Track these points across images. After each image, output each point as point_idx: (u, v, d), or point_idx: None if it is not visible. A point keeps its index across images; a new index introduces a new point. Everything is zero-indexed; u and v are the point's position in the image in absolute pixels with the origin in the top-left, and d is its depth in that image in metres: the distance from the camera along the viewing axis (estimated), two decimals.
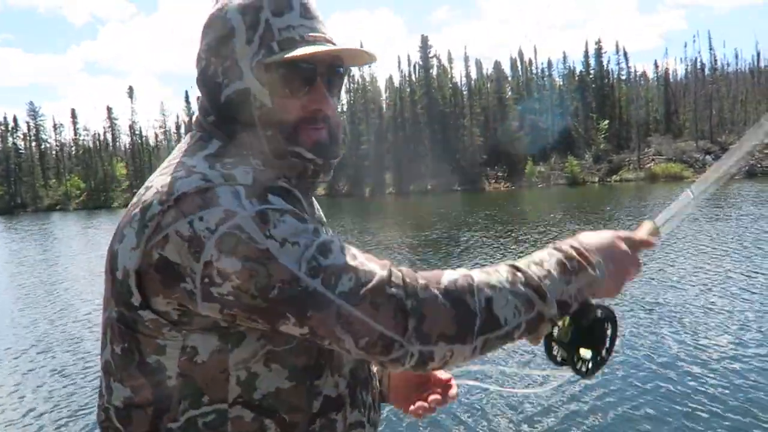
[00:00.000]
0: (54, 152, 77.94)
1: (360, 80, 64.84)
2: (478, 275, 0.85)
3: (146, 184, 0.89)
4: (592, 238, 0.94)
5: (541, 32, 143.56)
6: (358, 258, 0.83)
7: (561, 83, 63.42)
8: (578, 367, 0.96)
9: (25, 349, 8.22)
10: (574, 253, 0.90)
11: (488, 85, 62.94)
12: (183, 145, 0.96)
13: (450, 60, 63.80)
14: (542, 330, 0.88)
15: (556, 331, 0.94)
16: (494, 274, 0.86)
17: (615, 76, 61.35)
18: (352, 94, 65.43)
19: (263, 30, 0.90)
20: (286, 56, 0.88)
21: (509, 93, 62.07)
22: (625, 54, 62.67)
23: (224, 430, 0.85)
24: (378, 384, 1.12)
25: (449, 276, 0.84)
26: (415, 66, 62.35)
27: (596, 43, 61.28)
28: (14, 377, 7.06)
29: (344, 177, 59.95)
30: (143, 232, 0.81)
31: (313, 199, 1.07)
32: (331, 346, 0.82)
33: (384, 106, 65.00)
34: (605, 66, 61.24)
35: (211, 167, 0.86)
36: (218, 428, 0.85)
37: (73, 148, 79.14)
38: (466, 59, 63.94)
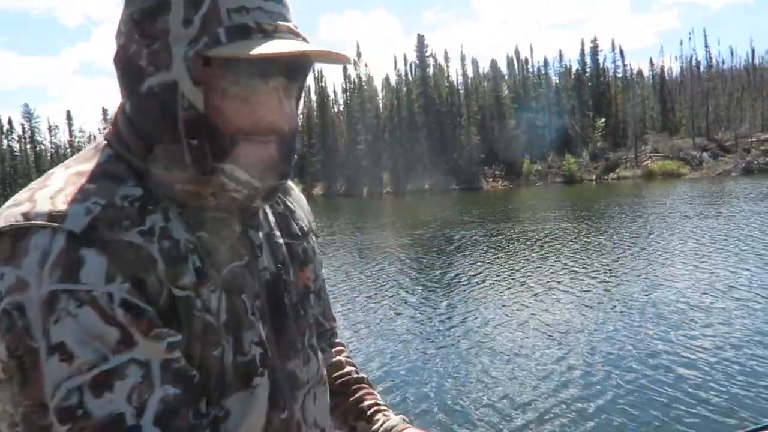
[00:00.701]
0: (49, 154, 77.92)
1: (356, 80, 64.83)
2: None
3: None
4: None
5: (537, 32, 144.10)
6: (145, 414, 0.61)
7: (557, 82, 63.51)
8: None
9: None
10: None
11: (485, 84, 62.97)
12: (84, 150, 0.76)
13: (447, 59, 63.85)
14: None
15: None
16: None
17: (611, 75, 61.43)
18: (348, 93, 65.38)
19: (208, 9, 0.67)
20: (237, 53, 0.66)
21: (506, 92, 62.11)
22: (621, 52, 62.71)
23: None
24: None
25: None
26: (411, 65, 62.39)
27: (592, 42, 61.39)
28: None
29: (341, 177, 59.89)
30: None
31: (268, 216, 0.87)
32: None
33: (381, 105, 65.00)
34: (601, 64, 61.34)
35: (55, 195, 0.65)
36: None
37: (69, 150, 79.11)
38: (463, 58, 64.34)
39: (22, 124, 78.57)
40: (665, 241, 13.55)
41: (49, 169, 0.71)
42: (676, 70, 66.99)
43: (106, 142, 0.75)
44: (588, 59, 61.32)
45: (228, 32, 0.67)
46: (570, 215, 21.77)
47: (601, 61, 61.33)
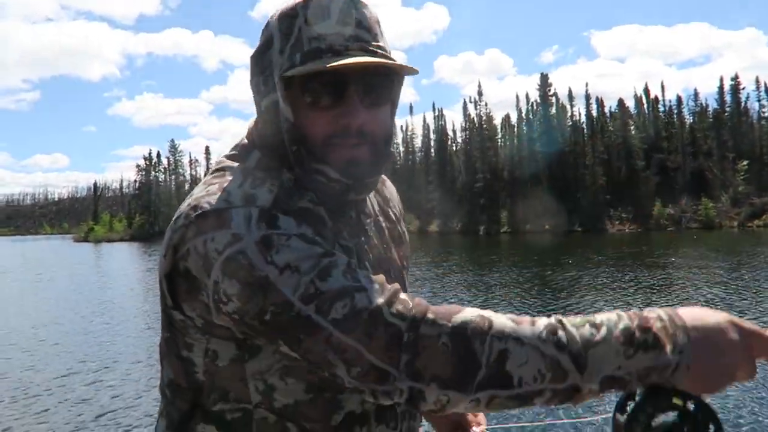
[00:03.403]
0: (187, 185, 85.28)
1: (476, 118, 64.82)
2: (501, 322, 0.74)
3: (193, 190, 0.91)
4: (691, 315, 0.74)
5: (661, 69, 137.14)
6: (361, 282, 0.78)
7: (692, 121, 59.53)
8: None
9: (141, 360, 8.70)
10: (655, 326, 0.72)
11: (611, 124, 60.41)
12: (229, 152, 0.96)
13: (571, 98, 62.16)
14: (580, 400, 0.74)
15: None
16: (525, 325, 0.74)
17: (756, 114, 56.66)
18: (467, 132, 65.45)
19: (295, 39, 0.85)
20: (292, 72, 0.84)
21: (634, 131, 59.13)
22: (767, 90, 57.63)
23: (250, 429, 0.88)
24: None
25: (464, 315, 0.75)
26: (532, 104, 61.39)
27: (732, 79, 57.19)
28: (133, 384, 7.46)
29: (458, 215, 59.59)
30: (170, 241, 0.84)
31: (372, 203, 1.05)
32: (325, 373, 0.78)
33: (500, 143, 64.36)
34: (743, 103, 56.82)
35: (240, 185, 0.85)
36: (244, 426, 0.88)
37: None
38: (588, 97, 62.02)
39: (167, 158, 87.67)
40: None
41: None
42: None
43: (245, 145, 0.95)
44: (728, 98, 57.10)
45: (303, 56, 0.84)
46: (711, 264, 19.88)
47: (742, 99, 56.86)
